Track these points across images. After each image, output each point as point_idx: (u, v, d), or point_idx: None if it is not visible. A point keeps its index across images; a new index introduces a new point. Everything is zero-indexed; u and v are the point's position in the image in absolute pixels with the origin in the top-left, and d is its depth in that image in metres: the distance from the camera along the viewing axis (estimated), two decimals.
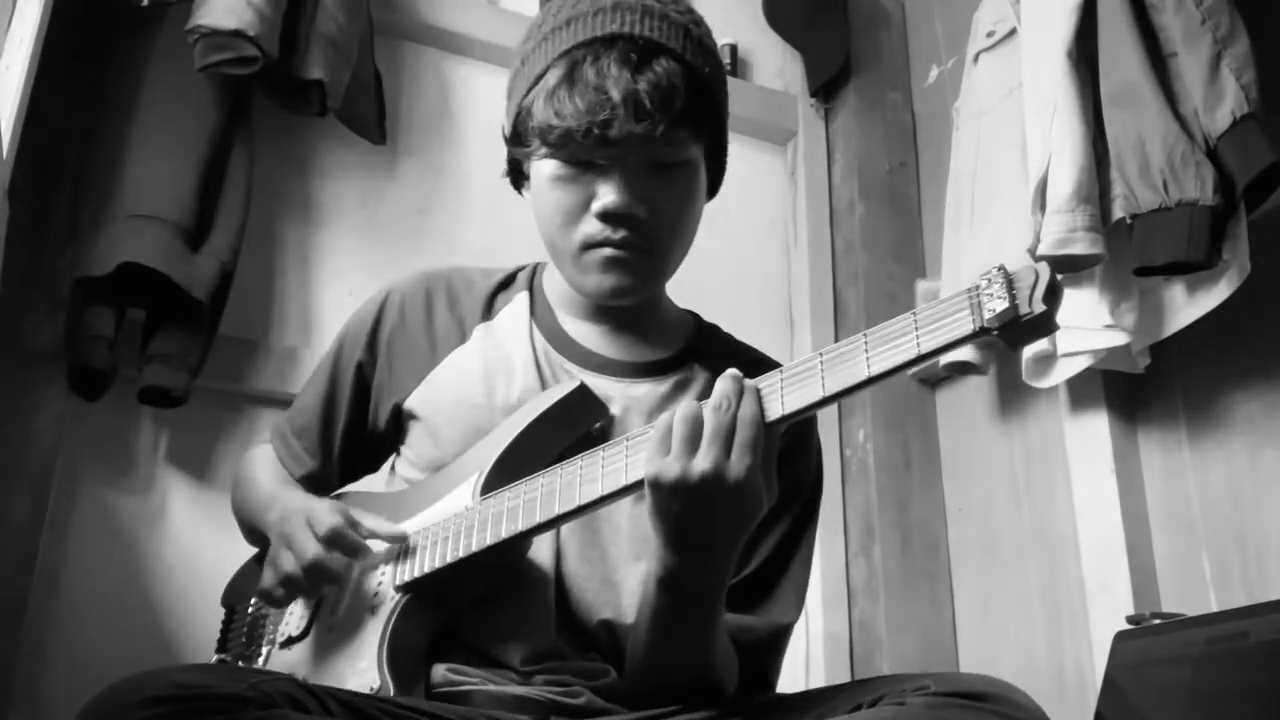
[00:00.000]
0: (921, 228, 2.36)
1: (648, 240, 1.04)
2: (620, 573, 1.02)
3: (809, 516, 1.12)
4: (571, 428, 1.05)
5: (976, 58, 2.05)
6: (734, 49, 2.44)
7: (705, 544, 0.87)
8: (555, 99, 1.00)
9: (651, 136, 0.99)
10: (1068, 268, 1.67)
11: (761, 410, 0.85)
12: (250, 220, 1.73)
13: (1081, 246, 1.62)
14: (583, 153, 1.01)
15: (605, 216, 1.03)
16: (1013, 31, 1.94)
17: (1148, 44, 1.64)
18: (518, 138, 1.07)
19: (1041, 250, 1.64)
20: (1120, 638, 1.52)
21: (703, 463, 0.83)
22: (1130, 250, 1.60)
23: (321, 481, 1.17)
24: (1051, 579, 1.90)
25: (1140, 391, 1.84)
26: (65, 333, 1.58)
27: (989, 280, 0.76)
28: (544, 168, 1.05)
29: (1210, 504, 1.71)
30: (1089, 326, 1.69)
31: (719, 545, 0.87)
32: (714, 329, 1.23)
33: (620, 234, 1.03)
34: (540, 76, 1.03)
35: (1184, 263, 1.53)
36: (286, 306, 1.85)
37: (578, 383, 1.05)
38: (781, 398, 0.85)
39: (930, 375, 2.20)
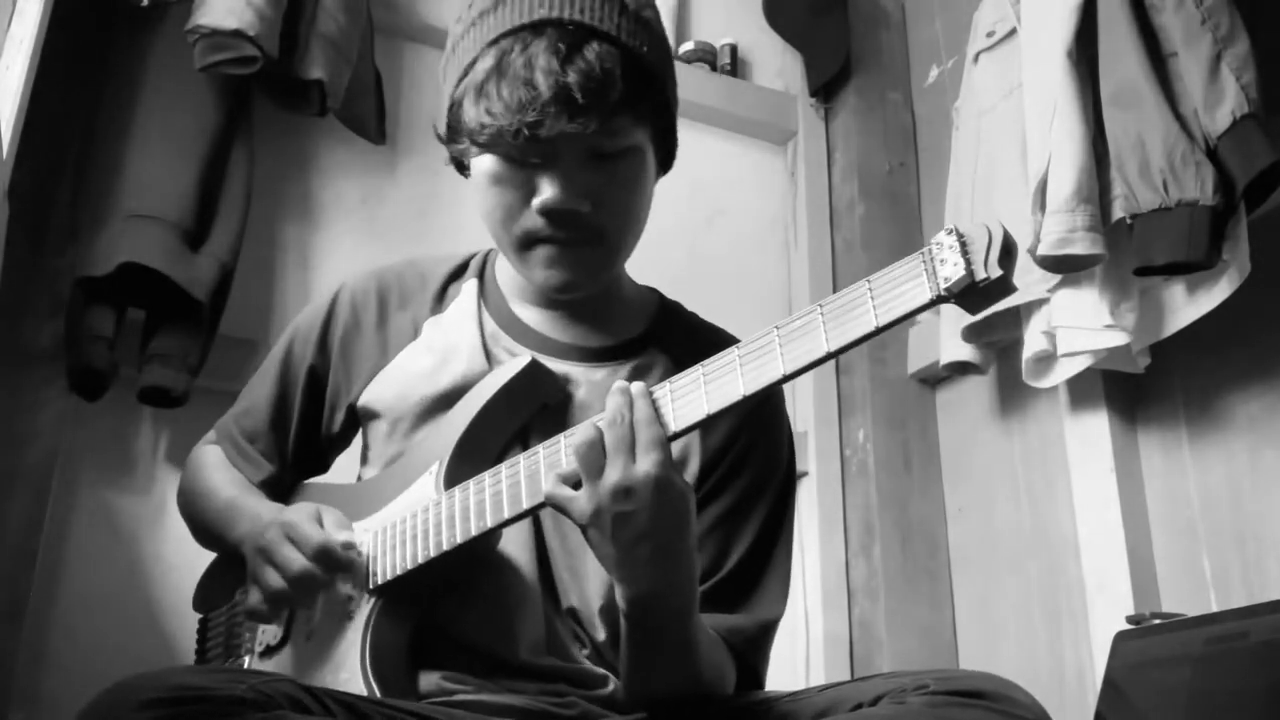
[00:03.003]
0: (921, 228, 2.36)
1: (594, 233, 1.01)
2: (582, 559, 1.01)
3: (784, 506, 1.09)
4: (527, 405, 1.03)
5: (976, 58, 2.05)
6: (734, 49, 2.44)
7: (652, 554, 0.83)
8: (484, 95, 0.95)
9: (586, 132, 0.94)
10: (1068, 268, 1.67)
11: (656, 410, 0.83)
12: (250, 220, 1.73)
13: (1081, 246, 1.62)
14: (516, 152, 0.97)
15: (546, 213, 0.99)
16: (1013, 31, 1.94)
17: (1148, 44, 1.64)
18: (453, 132, 1.03)
19: (1041, 250, 1.64)
20: (1120, 638, 1.52)
21: (610, 478, 0.82)
22: (1130, 250, 1.60)
23: (279, 485, 1.15)
24: (1051, 579, 1.90)
25: (1140, 391, 1.84)
26: (65, 333, 1.58)
27: (940, 244, 0.73)
28: (482, 163, 1.01)
29: (1210, 504, 1.71)
30: (1089, 326, 1.69)
31: (666, 549, 0.84)
32: (676, 309, 1.19)
33: (564, 230, 1.00)
34: (469, 67, 0.98)
35: (1184, 263, 1.53)
36: (286, 306, 1.85)
37: (529, 358, 1.03)
38: (741, 376, 0.81)
39: (930, 375, 2.20)
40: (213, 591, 1.18)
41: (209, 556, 1.19)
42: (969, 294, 0.72)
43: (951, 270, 0.72)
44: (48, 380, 1.60)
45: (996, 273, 0.71)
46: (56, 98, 1.60)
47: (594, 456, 0.83)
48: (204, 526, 1.17)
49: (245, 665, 1.08)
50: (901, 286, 0.74)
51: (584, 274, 1.03)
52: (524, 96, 0.92)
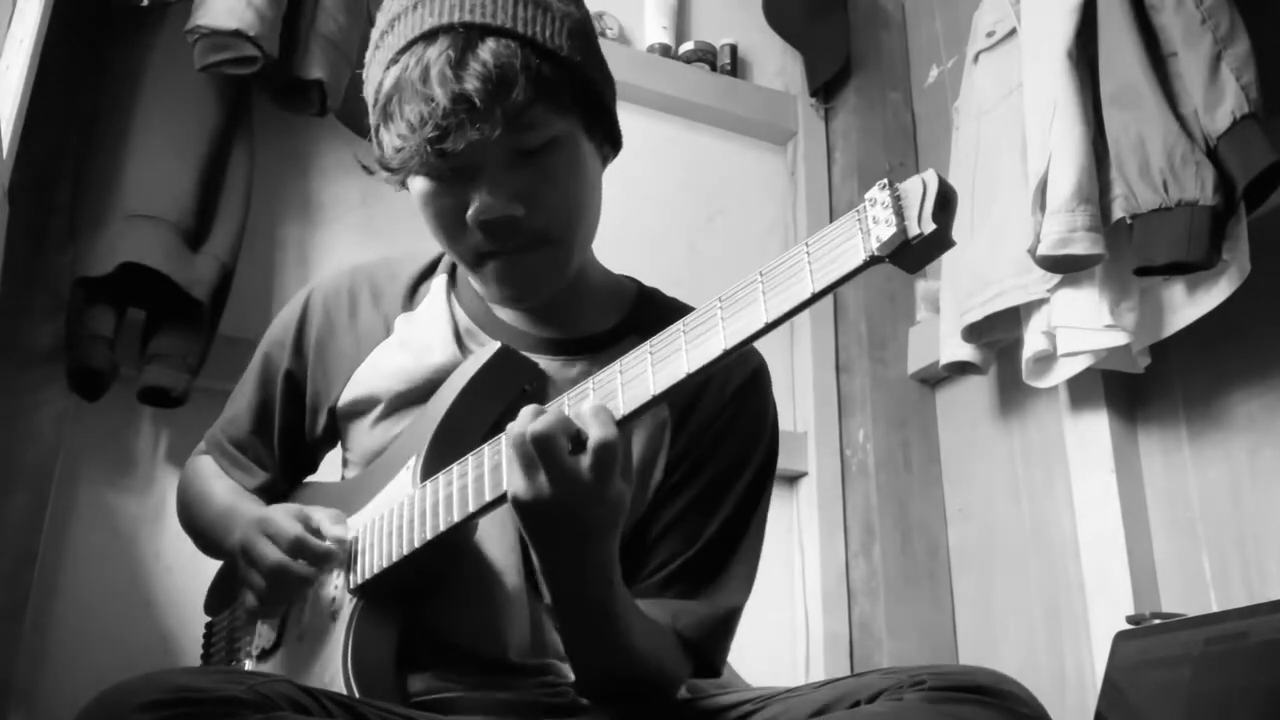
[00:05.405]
0: None
1: (536, 237, 0.97)
2: None
3: (758, 495, 1.05)
4: (502, 392, 1.01)
5: (976, 58, 2.05)
6: (734, 49, 2.44)
7: (564, 535, 0.83)
8: (390, 118, 0.93)
9: (492, 137, 0.90)
10: (1068, 268, 1.67)
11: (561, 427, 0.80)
12: (250, 220, 1.73)
13: (1081, 246, 1.62)
14: (435, 170, 0.94)
15: (482, 226, 0.95)
16: (1013, 31, 1.94)
17: (1148, 44, 1.64)
18: (380, 160, 0.99)
19: (1041, 250, 1.64)
20: (1120, 638, 1.52)
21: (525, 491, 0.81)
22: (1130, 250, 1.60)
23: (274, 489, 1.15)
24: (1051, 579, 1.90)
25: (1140, 391, 1.84)
26: (65, 333, 1.58)
27: (873, 200, 0.68)
28: (415, 184, 0.98)
29: (1210, 504, 1.71)
30: (1089, 326, 1.69)
31: (582, 536, 0.82)
32: (653, 295, 1.15)
33: (506, 241, 0.96)
34: (376, 92, 0.96)
35: (1184, 263, 1.53)
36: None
37: (498, 345, 1.00)
38: (686, 353, 0.78)
39: (930, 375, 2.20)
40: (222, 595, 1.19)
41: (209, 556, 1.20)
42: (903, 253, 0.67)
43: (884, 229, 0.67)
44: (48, 380, 1.60)
45: (930, 228, 0.66)
46: (56, 98, 1.60)
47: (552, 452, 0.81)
48: (203, 534, 1.18)
49: (245, 668, 1.08)
50: (838, 249, 0.70)
51: (539, 280, 1.01)
52: (424, 111, 0.89)
